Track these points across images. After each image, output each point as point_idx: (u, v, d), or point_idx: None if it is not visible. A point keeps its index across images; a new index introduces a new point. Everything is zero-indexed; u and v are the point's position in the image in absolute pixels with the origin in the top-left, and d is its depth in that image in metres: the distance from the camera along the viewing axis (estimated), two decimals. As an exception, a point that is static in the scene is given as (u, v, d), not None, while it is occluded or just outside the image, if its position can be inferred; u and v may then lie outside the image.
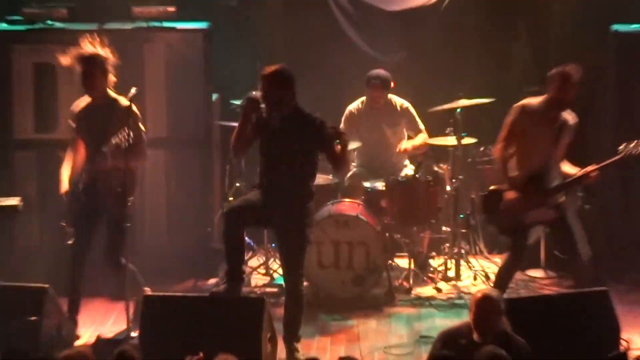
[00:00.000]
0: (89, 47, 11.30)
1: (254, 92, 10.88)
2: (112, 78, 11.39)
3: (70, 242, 11.39)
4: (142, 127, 11.45)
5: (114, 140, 11.06)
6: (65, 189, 11.38)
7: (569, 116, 11.47)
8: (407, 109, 13.50)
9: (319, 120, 10.91)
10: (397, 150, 13.39)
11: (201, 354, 8.87)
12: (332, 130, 10.77)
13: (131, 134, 11.06)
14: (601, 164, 11.24)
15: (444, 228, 13.42)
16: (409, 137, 13.53)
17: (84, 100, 11.49)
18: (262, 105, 10.87)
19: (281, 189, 10.96)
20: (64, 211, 11.35)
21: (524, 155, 11.54)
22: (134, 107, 11.29)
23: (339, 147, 10.75)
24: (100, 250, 11.55)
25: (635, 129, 12.74)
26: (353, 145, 13.19)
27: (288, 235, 11.10)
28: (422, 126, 13.50)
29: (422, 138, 13.41)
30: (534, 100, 11.51)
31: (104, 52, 11.30)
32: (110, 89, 11.40)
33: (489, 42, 13.73)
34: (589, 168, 11.32)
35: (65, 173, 11.44)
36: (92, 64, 11.27)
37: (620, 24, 13.23)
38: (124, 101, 11.23)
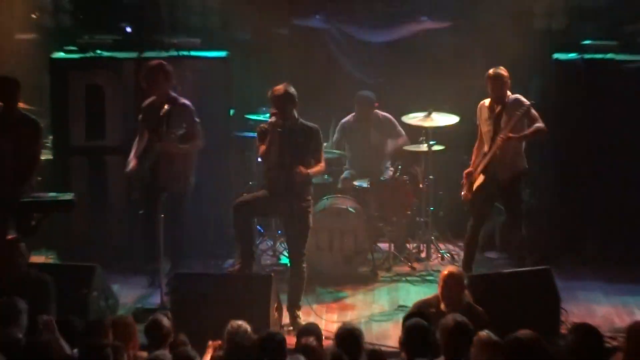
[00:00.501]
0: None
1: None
2: (172, 81, 11.74)
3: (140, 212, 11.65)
4: (197, 120, 11.74)
5: (171, 130, 11.47)
6: (133, 164, 11.70)
7: (515, 100, 11.59)
8: (389, 120, 13.49)
9: (315, 128, 11.12)
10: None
11: (219, 341, 8.80)
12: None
13: (185, 125, 11.56)
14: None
15: (417, 218, 13.32)
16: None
17: (150, 99, 11.76)
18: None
19: (286, 183, 11.03)
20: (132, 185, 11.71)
21: (485, 144, 11.75)
22: (189, 104, 11.65)
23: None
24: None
25: (576, 151, 12.67)
26: (343, 152, 13.47)
27: (292, 222, 11.19)
28: (402, 132, 13.47)
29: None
30: (487, 100, 11.72)
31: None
32: (170, 90, 11.68)
33: (453, 68, 13.65)
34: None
35: (134, 151, 11.77)
36: (156, 70, 11.67)
37: (560, 53, 13.15)
38: (181, 100, 11.65)
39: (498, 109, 11.60)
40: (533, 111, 11.49)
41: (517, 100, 11.55)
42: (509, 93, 11.65)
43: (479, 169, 11.70)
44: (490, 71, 11.58)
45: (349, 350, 8.18)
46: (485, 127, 11.72)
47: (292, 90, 10.98)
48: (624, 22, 13.51)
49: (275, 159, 11.10)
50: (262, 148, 11.11)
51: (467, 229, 12.02)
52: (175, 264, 11.77)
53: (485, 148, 11.69)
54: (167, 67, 11.81)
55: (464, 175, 11.85)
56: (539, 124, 11.45)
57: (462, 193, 11.92)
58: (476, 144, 11.95)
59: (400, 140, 13.44)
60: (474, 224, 11.96)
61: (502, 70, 11.56)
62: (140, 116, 11.89)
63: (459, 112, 13.06)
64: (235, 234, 11.31)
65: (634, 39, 13.19)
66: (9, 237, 10.66)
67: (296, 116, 11.09)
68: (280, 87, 10.97)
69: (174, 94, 11.79)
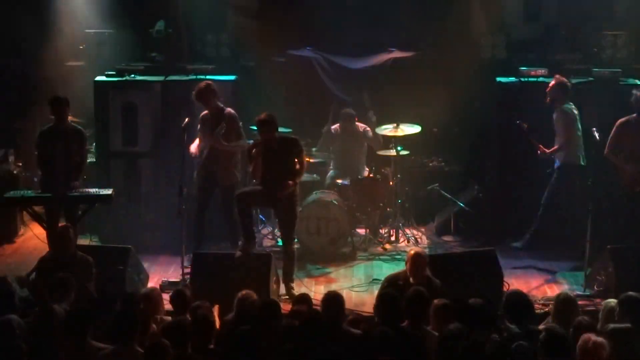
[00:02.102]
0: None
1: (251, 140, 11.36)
2: (218, 96, 11.72)
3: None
4: (240, 124, 11.73)
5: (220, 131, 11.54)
6: (193, 151, 11.76)
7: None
8: (367, 131, 13.35)
9: (294, 139, 11.25)
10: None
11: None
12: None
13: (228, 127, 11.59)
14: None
15: (388, 209, 13.22)
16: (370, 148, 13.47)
17: (204, 112, 11.77)
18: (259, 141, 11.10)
19: (276, 183, 11.00)
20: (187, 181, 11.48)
21: None
22: (233, 112, 11.66)
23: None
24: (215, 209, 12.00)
25: (510, 151, 12.64)
26: (329, 156, 13.38)
27: (284, 213, 11.25)
28: (380, 140, 13.33)
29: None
30: None
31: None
32: (219, 102, 11.67)
33: (416, 89, 13.55)
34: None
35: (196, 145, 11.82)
36: (204, 90, 11.60)
37: (502, 77, 13.08)
38: (227, 111, 11.66)
39: None
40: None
41: None
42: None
43: None
44: None
45: (333, 312, 8.12)
46: None
47: (272, 117, 11.00)
48: (552, 52, 13.47)
49: (262, 173, 11.11)
50: (251, 166, 11.16)
51: None
52: (234, 242, 11.63)
53: None
54: (213, 86, 11.73)
55: None
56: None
57: None
58: None
59: (377, 140, 13.35)
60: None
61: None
62: (199, 125, 11.80)
63: (421, 124, 12.98)
64: (238, 217, 11.23)
65: (560, 66, 13.12)
66: (61, 224, 10.59)
67: (276, 135, 11.09)
68: (262, 115, 11.01)
69: (221, 105, 11.73)
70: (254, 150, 11.09)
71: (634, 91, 11.60)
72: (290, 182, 10.99)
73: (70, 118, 11.76)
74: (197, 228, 11.79)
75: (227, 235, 11.79)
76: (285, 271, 11.16)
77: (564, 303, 8.41)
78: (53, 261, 9.97)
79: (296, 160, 11.12)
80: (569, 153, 12.02)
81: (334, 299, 8.31)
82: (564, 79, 12.00)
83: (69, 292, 8.89)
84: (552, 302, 8.81)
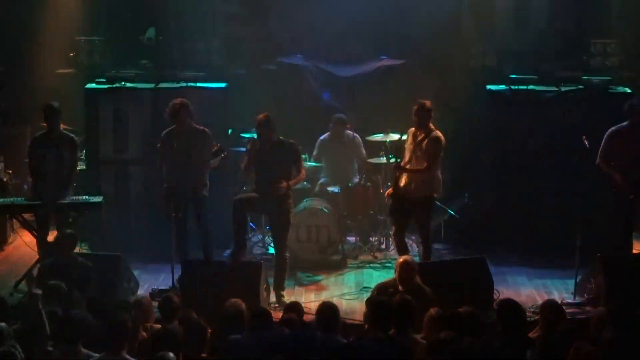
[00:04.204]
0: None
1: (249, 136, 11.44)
2: (193, 115, 11.33)
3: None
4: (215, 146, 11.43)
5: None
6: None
7: (435, 133, 11.30)
8: (358, 140, 13.39)
9: (293, 143, 11.15)
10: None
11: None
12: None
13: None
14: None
15: (378, 216, 13.21)
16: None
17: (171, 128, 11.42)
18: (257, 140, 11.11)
19: (270, 186, 10.97)
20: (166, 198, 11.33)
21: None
22: (209, 132, 11.35)
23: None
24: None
25: (505, 164, 12.64)
26: (319, 164, 13.38)
27: (277, 220, 11.21)
28: (364, 153, 13.37)
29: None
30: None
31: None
32: (193, 122, 11.32)
33: (405, 96, 13.50)
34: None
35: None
36: (179, 107, 11.19)
37: (492, 85, 13.08)
38: (201, 129, 11.31)
39: (421, 137, 11.31)
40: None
41: (437, 137, 11.27)
42: (431, 125, 11.37)
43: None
44: (418, 103, 11.34)
45: (328, 322, 8.09)
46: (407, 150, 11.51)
47: (270, 118, 10.98)
48: (542, 60, 13.47)
49: (255, 173, 11.14)
50: (245, 162, 11.19)
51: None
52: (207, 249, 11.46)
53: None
54: (187, 104, 11.29)
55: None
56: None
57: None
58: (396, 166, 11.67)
59: (361, 162, 13.37)
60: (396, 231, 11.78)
61: (427, 103, 11.34)
62: (175, 144, 11.37)
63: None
64: (232, 223, 11.19)
65: (550, 74, 13.14)
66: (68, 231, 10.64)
67: (274, 137, 11.06)
68: (261, 116, 11.03)
69: (195, 125, 11.36)
70: (249, 145, 11.11)
71: (627, 103, 11.58)
72: (285, 182, 10.96)
73: (61, 125, 11.77)
74: (178, 240, 11.44)
75: (200, 242, 11.48)
76: (276, 279, 11.15)
77: (550, 310, 8.44)
78: (54, 266, 9.98)
79: (293, 165, 11.12)
80: (433, 185, 11.45)
81: (329, 309, 8.29)
82: (426, 102, 11.43)
83: (59, 300, 8.87)
84: (540, 310, 8.80)
